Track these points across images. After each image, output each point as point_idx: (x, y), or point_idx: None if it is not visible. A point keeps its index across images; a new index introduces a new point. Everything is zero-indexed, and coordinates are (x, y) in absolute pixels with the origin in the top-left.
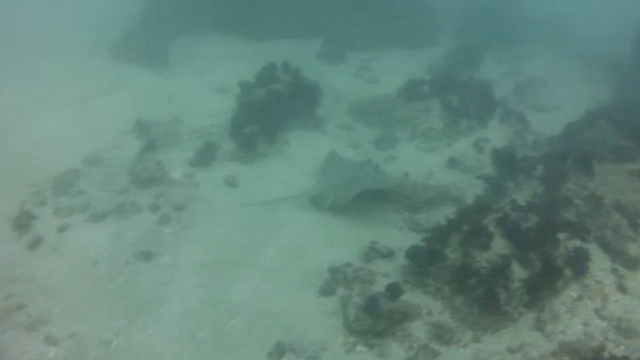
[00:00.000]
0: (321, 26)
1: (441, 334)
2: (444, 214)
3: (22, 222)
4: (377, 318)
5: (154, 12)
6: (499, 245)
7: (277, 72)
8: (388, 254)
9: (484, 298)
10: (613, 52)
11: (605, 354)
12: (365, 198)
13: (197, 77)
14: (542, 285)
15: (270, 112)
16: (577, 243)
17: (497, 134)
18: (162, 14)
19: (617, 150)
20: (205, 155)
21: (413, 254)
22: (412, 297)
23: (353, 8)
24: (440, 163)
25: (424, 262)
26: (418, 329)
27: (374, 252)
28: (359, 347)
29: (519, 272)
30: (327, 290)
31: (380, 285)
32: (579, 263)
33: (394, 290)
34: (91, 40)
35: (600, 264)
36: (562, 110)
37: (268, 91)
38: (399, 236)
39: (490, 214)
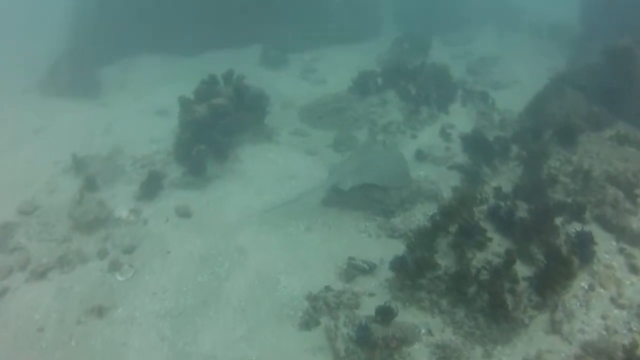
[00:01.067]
0: (259, 31)
1: (447, 356)
2: (421, 213)
3: None
4: (371, 348)
5: (80, 40)
6: (494, 242)
7: (218, 85)
8: (370, 269)
9: (489, 306)
10: (560, 21)
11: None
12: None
13: (134, 102)
14: (553, 280)
15: (215, 129)
16: (576, 226)
17: (461, 118)
18: (89, 40)
19: (591, 118)
20: (151, 187)
21: (399, 265)
22: (407, 316)
23: (289, 9)
24: (407, 158)
25: (412, 273)
26: (420, 353)
27: (354, 269)
28: None
29: (522, 270)
30: (308, 323)
31: (368, 308)
32: (584, 248)
33: (384, 313)
34: (19, 77)
35: (605, 245)
36: (521, 84)
37: (210, 107)
38: (377, 246)
39: (476, 207)
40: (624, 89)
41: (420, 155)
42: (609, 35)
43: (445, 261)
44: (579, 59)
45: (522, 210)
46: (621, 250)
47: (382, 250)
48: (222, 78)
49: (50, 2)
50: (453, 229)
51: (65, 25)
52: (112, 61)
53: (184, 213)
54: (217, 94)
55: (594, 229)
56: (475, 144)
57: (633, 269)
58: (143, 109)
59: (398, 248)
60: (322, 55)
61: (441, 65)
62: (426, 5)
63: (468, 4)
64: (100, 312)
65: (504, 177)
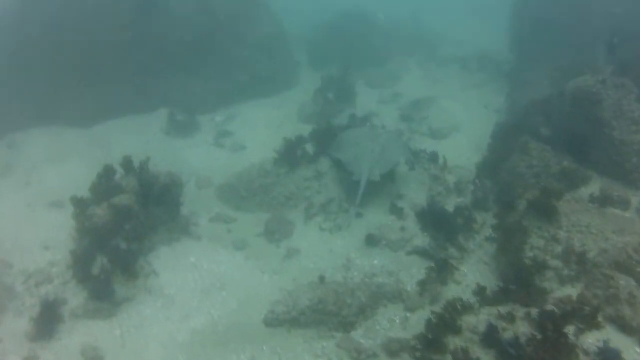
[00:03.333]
0: (162, 93)
1: None
2: (387, 320)
3: None
4: None
5: None
6: None
7: (117, 174)
8: None
9: None
10: (487, 52)
11: None
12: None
13: (23, 191)
14: None
15: (121, 236)
16: (591, 336)
17: (411, 186)
18: None
19: (565, 176)
20: (48, 321)
21: None
22: None
23: (193, 64)
24: (356, 244)
25: None
26: None
27: None
28: None
29: None
30: None
31: None
32: None
33: None
34: None
35: (628, 355)
36: (462, 130)
37: (110, 208)
38: None
39: (460, 319)
40: (592, 136)
41: (371, 241)
42: (542, 65)
43: None
44: (517, 93)
45: (522, 322)
46: None
47: None
48: (121, 167)
49: None
50: None
51: None
52: None
53: (93, 358)
54: (119, 189)
55: (611, 334)
56: (434, 219)
57: None
58: (34, 201)
59: None
60: (236, 113)
61: (372, 117)
62: (343, 44)
63: (386, 38)
64: None
65: (474, 258)
